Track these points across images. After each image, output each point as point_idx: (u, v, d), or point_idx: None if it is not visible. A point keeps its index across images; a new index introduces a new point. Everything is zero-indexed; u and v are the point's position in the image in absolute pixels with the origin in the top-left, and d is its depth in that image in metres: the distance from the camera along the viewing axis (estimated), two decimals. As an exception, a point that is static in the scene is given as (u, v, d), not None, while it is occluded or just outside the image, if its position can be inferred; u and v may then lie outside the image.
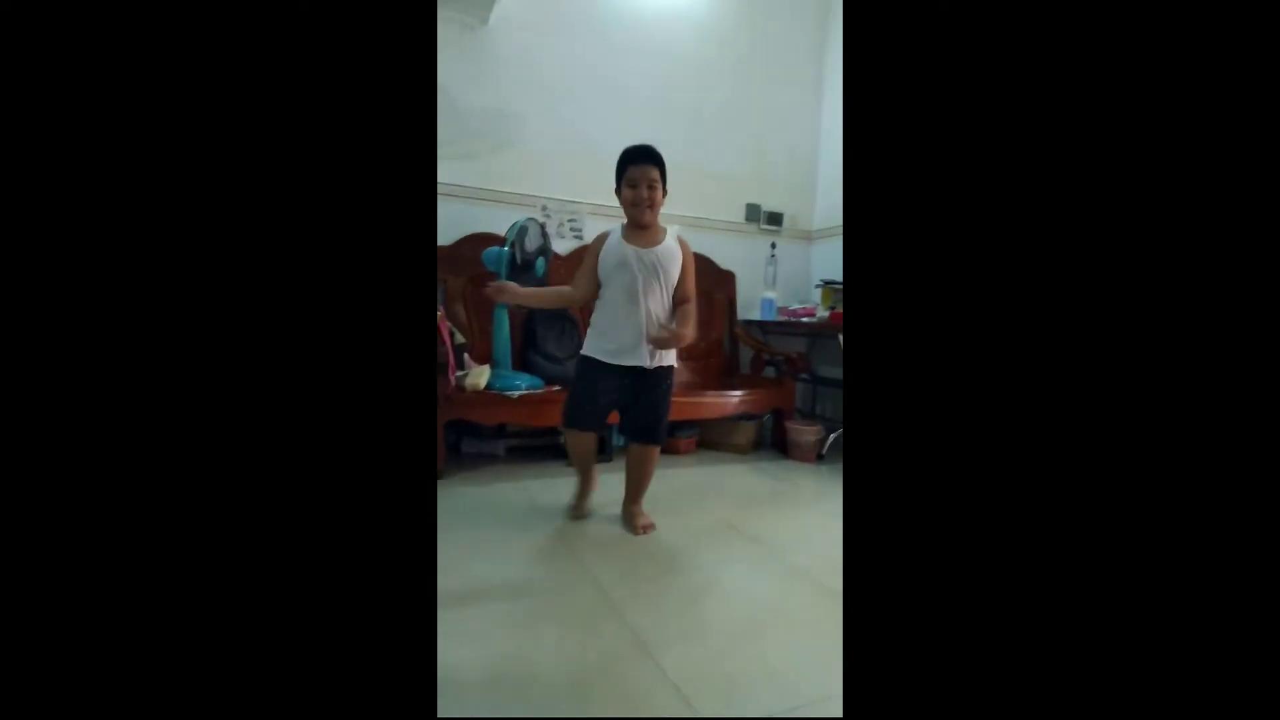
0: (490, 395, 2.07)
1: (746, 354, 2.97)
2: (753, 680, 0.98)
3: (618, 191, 1.64)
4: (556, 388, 2.30)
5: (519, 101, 2.54)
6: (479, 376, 2.08)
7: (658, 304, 1.61)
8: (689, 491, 2.04)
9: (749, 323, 2.99)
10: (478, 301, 2.40)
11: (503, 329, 2.28)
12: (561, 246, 2.64)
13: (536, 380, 2.24)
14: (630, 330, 1.60)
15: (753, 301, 2.99)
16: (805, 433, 2.47)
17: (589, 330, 1.69)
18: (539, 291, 1.78)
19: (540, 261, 2.26)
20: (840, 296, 2.68)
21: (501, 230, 2.35)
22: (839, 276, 2.71)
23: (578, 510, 1.75)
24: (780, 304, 2.90)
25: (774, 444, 2.68)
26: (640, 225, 1.62)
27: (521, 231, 2.19)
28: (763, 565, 1.46)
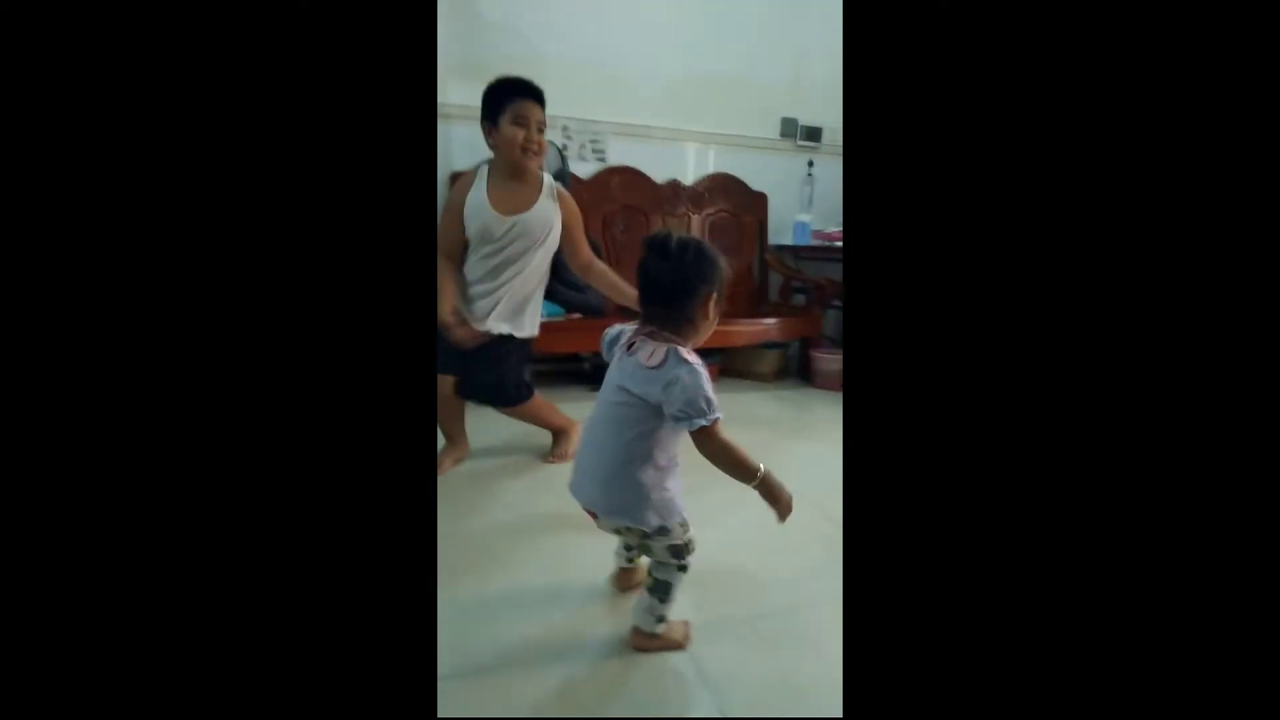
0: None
1: (777, 280, 2.89)
2: (736, 583, 1.02)
3: (492, 127, 1.37)
4: (578, 315, 2.32)
5: (540, 16, 2.41)
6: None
7: (527, 276, 1.45)
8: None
9: (781, 247, 2.88)
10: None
11: (523, 256, 2.27)
12: (584, 170, 2.57)
13: (557, 308, 2.26)
14: (482, 290, 1.46)
15: (785, 225, 2.86)
16: (831, 361, 2.42)
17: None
18: (449, 303, 1.42)
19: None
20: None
21: (520, 154, 2.30)
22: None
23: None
24: (815, 227, 2.77)
25: (799, 372, 2.65)
26: (519, 174, 1.41)
27: (538, 155, 2.13)
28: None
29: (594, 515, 0.89)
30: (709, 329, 0.89)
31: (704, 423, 0.77)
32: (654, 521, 0.83)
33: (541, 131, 1.39)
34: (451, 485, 1.45)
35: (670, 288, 0.84)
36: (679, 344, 0.83)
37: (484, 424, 1.68)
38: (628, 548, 1.01)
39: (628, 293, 1.42)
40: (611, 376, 0.88)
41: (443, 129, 2.36)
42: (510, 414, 1.58)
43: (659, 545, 0.87)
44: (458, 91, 2.33)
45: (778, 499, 0.83)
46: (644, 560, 0.99)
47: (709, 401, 0.78)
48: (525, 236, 1.42)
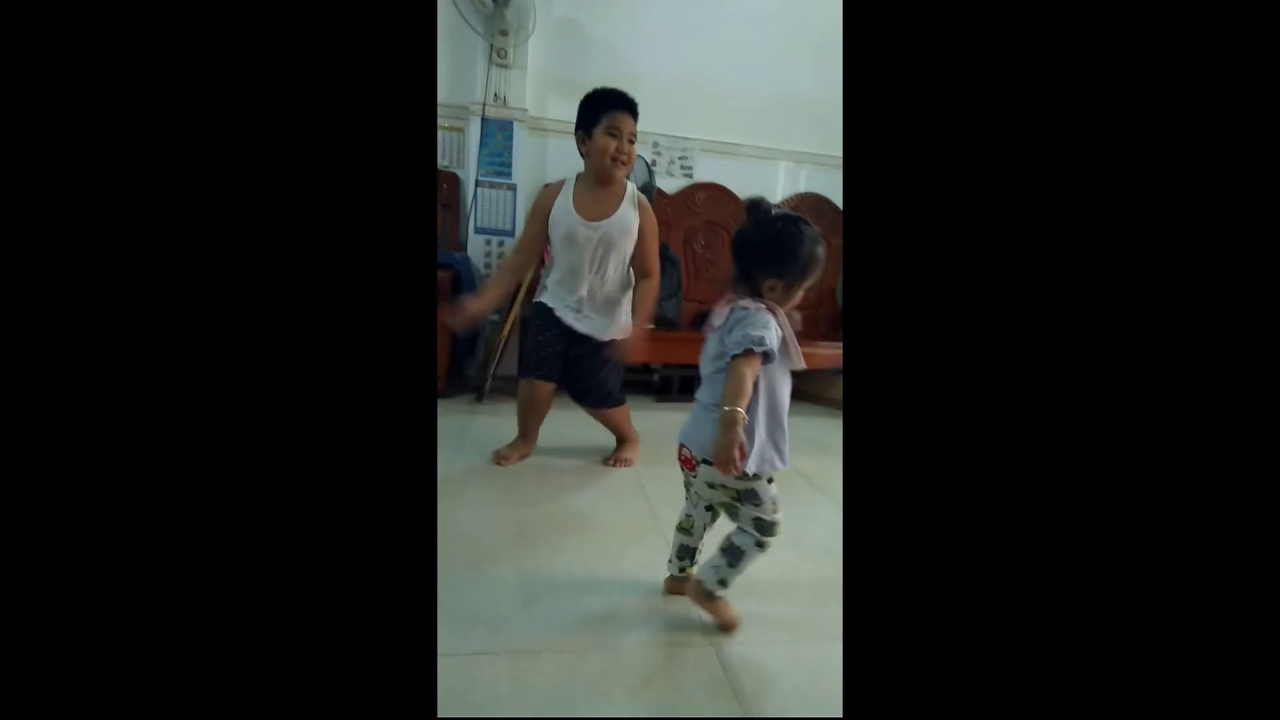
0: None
1: (861, 305, 2.79)
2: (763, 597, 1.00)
3: (585, 136, 1.43)
4: (650, 326, 2.35)
5: (635, 35, 2.50)
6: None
7: (607, 279, 1.51)
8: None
9: (867, 271, 2.78)
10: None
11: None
12: (670, 185, 2.62)
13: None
14: (573, 301, 1.52)
15: (874, 249, 2.76)
16: (912, 393, 2.30)
17: (544, 280, 1.61)
18: (490, 291, 1.52)
19: (642, 199, 2.27)
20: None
21: (609, 167, 2.38)
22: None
23: (502, 455, 1.59)
24: (906, 252, 2.66)
25: (878, 402, 2.54)
26: (606, 182, 1.46)
27: (625, 168, 2.20)
28: (815, 511, 1.45)
29: (689, 464, 0.92)
30: (785, 308, 0.91)
31: (738, 351, 0.83)
32: (749, 466, 0.85)
33: (632, 143, 1.44)
34: (516, 477, 1.52)
35: (741, 253, 0.90)
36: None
37: (549, 425, 1.75)
38: (681, 555, 1.02)
39: (642, 317, 1.51)
40: (703, 354, 0.93)
41: (540, 141, 2.50)
42: (601, 416, 1.64)
43: (746, 512, 0.90)
44: (557, 107, 2.46)
45: (728, 439, 0.82)
46: (694, 571, 1.00)
47: (757, 338, 0.82)
48: (607, 241, 1.47)
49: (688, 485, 0.99)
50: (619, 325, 1.57)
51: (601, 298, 1.54)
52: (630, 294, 1.60)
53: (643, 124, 2.73)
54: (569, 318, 1.54)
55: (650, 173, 2.39)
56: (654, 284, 1.55)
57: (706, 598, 0.93)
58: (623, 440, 1.70)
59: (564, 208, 1.48)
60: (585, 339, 1.55)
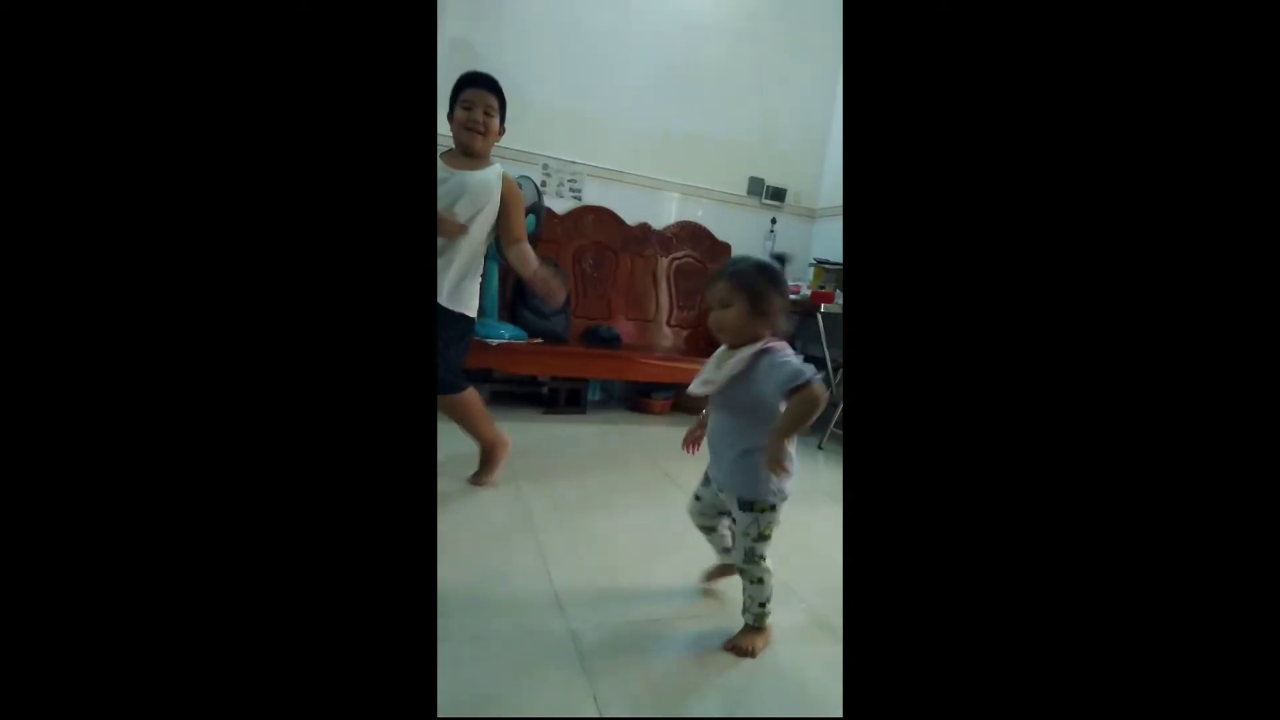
0: (472, 341, 2.21)
1: (735, 325, 3.05)
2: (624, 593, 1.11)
3: (450, 115, 1.49)
4: (539, 340, 2.43)
5: (528, 60, 2.60)
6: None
7: (462, 248, 1.46)
8: (651, 445, 2.17)
9: (740, 295, 3.05)
10: (474, 252, 2.52)
11: (491, 281, 2.40)
12: (560, 206, 2.73)
13: (520, 332, 2.37)
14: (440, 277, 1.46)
15: (746, 275, 3.04)
16: (776, 405, 2.56)
17: None
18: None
19: (530, 218, 2.36)
20: (830, 277, 2.72)
21: (499, 185, 2.45)
22: (838, 257, 2.74)
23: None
24: (773, 279, 2.96)
25: (748, 414, 2.78)
26: (468, 153, 1.48)
27: (515, 188, 2.27)
28: (677, 507, 1.59)
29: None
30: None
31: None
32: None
33: (489, 115, 1.46)
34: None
35: (755, 287, 0.99)
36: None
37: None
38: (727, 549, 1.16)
39: (532, 265, 1.50)
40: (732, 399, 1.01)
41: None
42: (442, 407, 1.52)
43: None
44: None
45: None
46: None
47: (809, 369, 0.94)
48: (466, 196, 1.45)
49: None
50: (465, 297, 1.52)
51: (462, 268, 1.48)
52: (477, 280, 1.56)
53: (533, 146, 2.80)
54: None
55: (539, 193, 2.48)
56: (524, 247, 1.53)
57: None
58: (489, 451, 1.62)
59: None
60: (440, 322, 1.46)
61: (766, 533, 1.00)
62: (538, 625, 1.02)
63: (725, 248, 3.03)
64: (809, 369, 0.91)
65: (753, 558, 1.01)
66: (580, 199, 2.77)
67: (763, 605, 1.03)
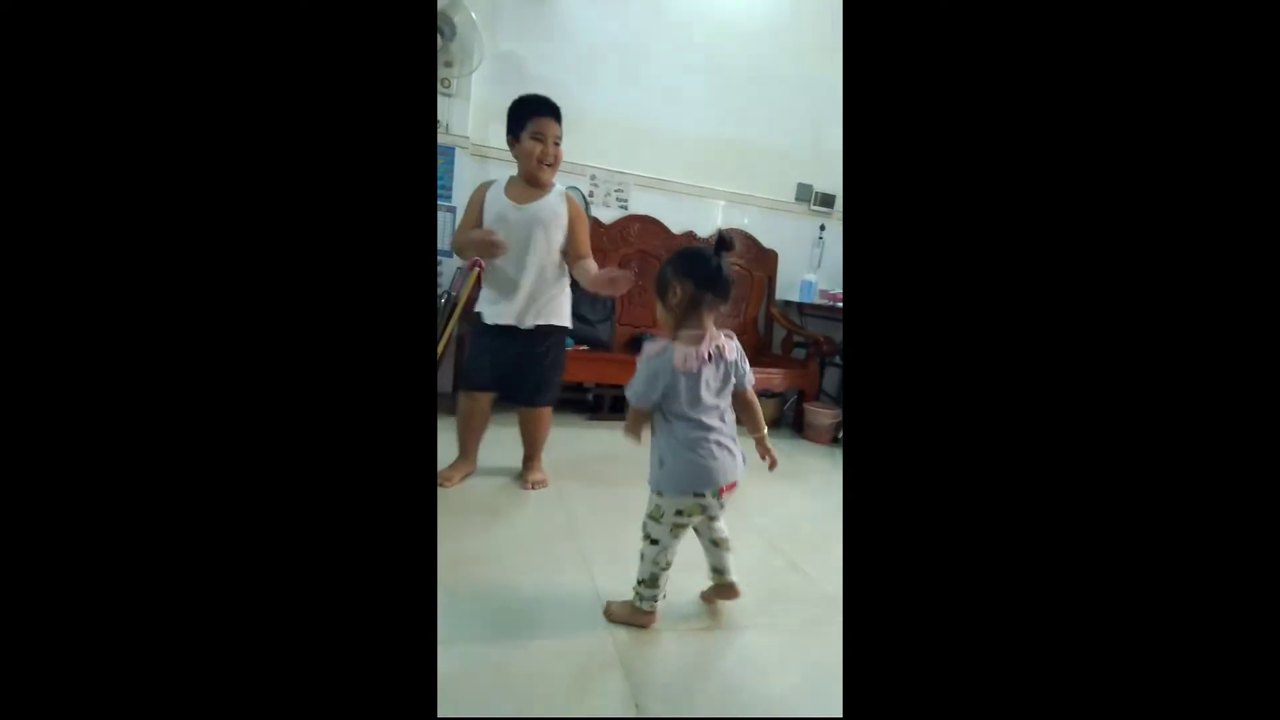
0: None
1: (780, 333, 3.01)
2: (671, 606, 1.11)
3: (514, 140, 1.53)
4: (585, 348, 2.46)
5: (576, 72, 2.65)
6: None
7: (541, 260, 1.54)
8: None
9: (787, 303, 3.01)
10: (522, 261, 2.58)
11: (540, 288, 2.44)
12: (606, 215, 2.76)
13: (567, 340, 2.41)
14: (508, 289, 1.55)
15: (794, 282, 3.00)
16: (822, 415, 2.51)
17: (482, 293, 1.64)
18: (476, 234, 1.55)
19: (578, 228, 2.40)
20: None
21: (548, 195, 2.50)
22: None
23: (445, 476, 1.61)
24: (821, 287, 2.90)
25: (794, 424, 2.73)
26: (535, 183, 1.55)
27: (562, 198, 2.32)
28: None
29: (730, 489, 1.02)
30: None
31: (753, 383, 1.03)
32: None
33: (557, 145, 1.53)
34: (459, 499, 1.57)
35: (726, 282, 0.99)
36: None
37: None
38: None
39: (601, 282, 1.50)
40: (712, 383, 0.99)
41: (480, 167, 2.58)
42: (533, 417, 1.66)
43: (719, 519, 1.11)
44: (498, 135, 2.55)
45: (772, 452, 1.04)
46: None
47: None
48: (537, 224, 1.53)
49: (683, 528, 1.04)
50: (561, 315, 1.64)
51: (540, 287, 1.57)
52: (567, 291, 1.65)
53: (580, 157, 2.83)
54: (509, 315, 1.56)
55: (587, 203, 2.52)
56: (587, 266, 1.59)
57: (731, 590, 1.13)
58: (532, 455, 1.73)
59: (495, 196, 1.57)
60: (526, 336, 1.58)
61: (654, 514, 1.02)
62: (581, 630, 1.03)
63: (772, 255, 3.00)
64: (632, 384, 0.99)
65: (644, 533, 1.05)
66: (626, 208, 2.80)
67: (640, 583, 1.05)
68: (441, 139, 2.42)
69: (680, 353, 0.96)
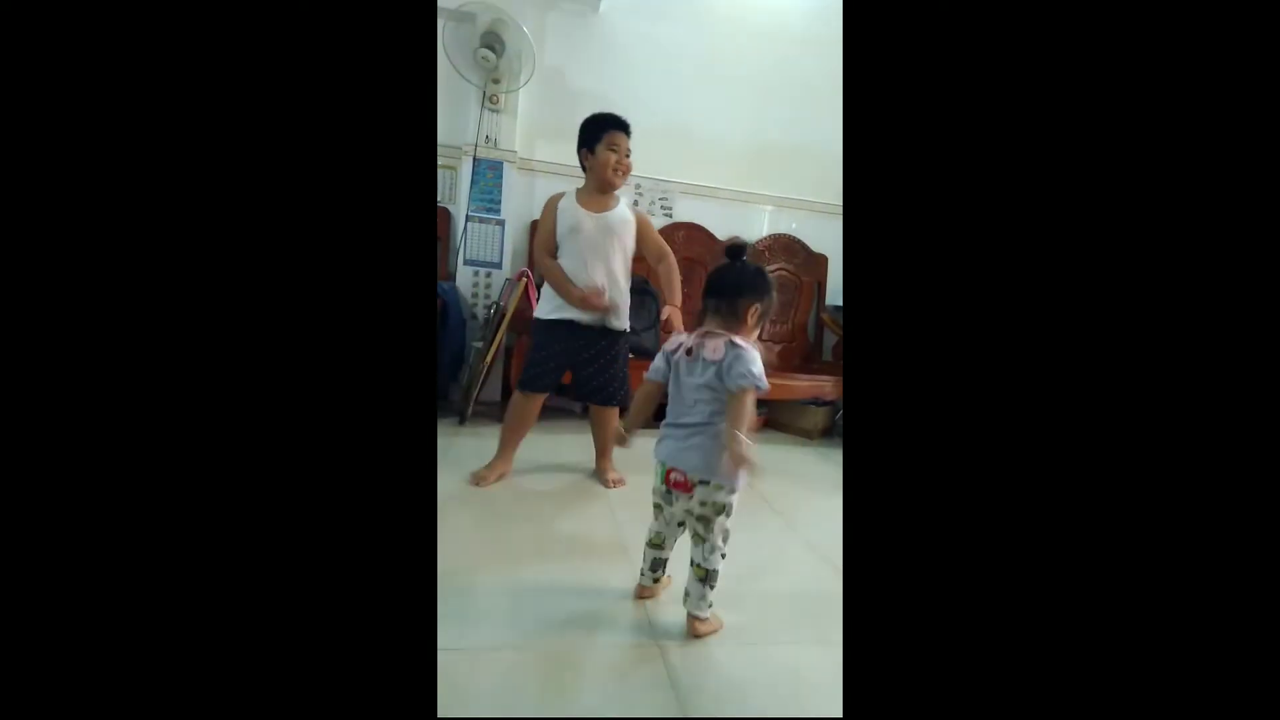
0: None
1: (831, 340, 2.92)
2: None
3: (588, 152, 1.65)
4: (630, 355, 2.46)
5: (619, 84, 2.68)
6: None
7: (614, 266, 1.67)
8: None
9: (838, 309, 2.93)
10: (569, 271, 2.61)
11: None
12: (653, 223, 2.76)
13: (612, 347, 2.41)
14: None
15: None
16: (877, 424, 2.41)
17: (543, 293, 1.74)
18: (566, 282, 1.67)
19: (623, 236, 2.41)
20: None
21: (593, 206, 2.53)
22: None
23: (479, 476, 1.66)
24: (873, 291, 2.81)
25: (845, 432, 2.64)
26: (606, 190, 1.68)
27: (607, 207, 2.35)
28: (773, 535, 1.53)
29: (684, 487, 1.01)
30: (750, 335, 1.04)
31: (746, 384, 0.95)
32: (734, 482, 0.98)
33: (628, 156, 1.67)
34: (498, 498, 1.60)
35: (731, 288, 1.03)
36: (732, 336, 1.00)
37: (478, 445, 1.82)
38: (654, 567, 1.12)
39: (675, 294, 1.66)
40: (686, 379, 1.03)
41: (528, 180, 2.64)
42: (604, 416, 1.75)
43: (720, 523, 1.01)
44: (544, 149, 2.62)
45: (750, 459, 0.95)
46: (663, 581, 1.13)
47: (758, 375, 0.96)
48: (610, 231, 1.67)
49: (660, 506, 1.06)
50: (627, 318, 1.74)
51: (614, 292, 1.67)
52: (628, 296, 1.75)
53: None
54: (583, 317, 1.66)
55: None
56: (671, 260, 1.72)
57: (703, 624, 1.03)
58: (604, 451, 1.81)
59: (569, 206, 1.68)
60: (603, 335, 1.69)
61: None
62: (628, 638, 1.01)
63: (822, 260, 2.93)
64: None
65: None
66: (671, 216, 2.80)
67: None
68: (489, 153, 2.49)
69: (673, 342, 1.06)
